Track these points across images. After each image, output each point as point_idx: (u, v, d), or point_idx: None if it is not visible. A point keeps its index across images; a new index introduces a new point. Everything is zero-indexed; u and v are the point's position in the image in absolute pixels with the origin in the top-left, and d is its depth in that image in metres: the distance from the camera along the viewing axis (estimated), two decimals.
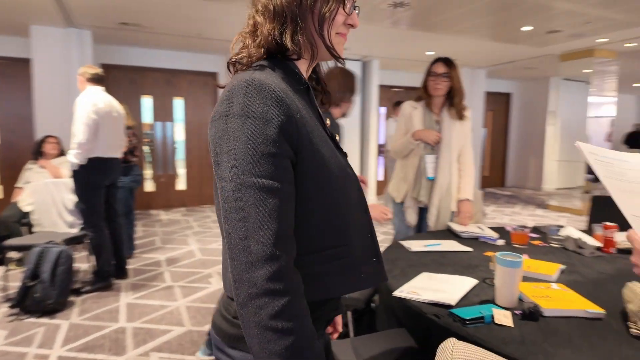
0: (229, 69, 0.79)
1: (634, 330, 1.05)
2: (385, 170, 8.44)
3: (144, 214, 5.97)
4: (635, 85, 9.86)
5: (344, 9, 0.74)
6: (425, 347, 1.19)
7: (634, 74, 8.36)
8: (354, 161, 7.24)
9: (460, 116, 2.33)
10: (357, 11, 0.76)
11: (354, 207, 0.75)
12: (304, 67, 0.78)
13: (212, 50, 6.31)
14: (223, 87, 0.82)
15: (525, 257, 1.60)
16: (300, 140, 0.68)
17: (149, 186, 6.45)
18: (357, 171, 7.28)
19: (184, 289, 3.10)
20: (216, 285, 3.20)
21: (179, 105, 6.53)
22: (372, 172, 7.27)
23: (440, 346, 0.77)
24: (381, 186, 8.27)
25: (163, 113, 6.43)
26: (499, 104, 9.33)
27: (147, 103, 6.32)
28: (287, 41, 0.72)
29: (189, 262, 3.77)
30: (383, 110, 8.06)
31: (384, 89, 7.93)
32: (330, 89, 1.98)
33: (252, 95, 0.66)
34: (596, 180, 7.41)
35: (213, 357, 2.20)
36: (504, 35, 5.47)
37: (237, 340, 0.73)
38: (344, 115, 2.23)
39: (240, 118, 0.65)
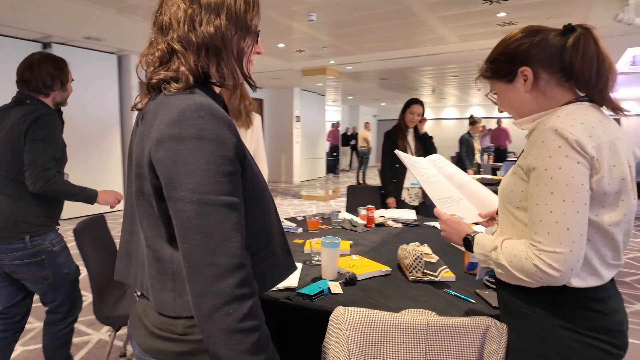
0: (149, 91, 0.76)
1: (411, 277, 1.55)
2: None
3: None
4: (349, 97, 12.77)
5: (256, 41, 0.84)
6: (285, 329, 1.39)
7: (348, 90, 10.86)
8: (115, 166, 6.52)
9: (243, 124, 2.55)
10: None
11: (274, 213, 0.87)
12: (217, 90, 0.84)
13: None
14: (140, 110, 0.78)
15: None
16: (244, 158, 0.75)
17: None
18: (119, 178, 6.58)
19: None
20: None
21: None
22: None
23: (331, 316, 0.98)
24: None
25: None
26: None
27: None
28: (213, 72, 0.78)
29: None
30: None
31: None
32: (39, 76, 1.77)
33: (205, 119, 0.69)
34: (329, 172, 9.18)
35: None
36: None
37: (189, 355, 0.74)
38: (58, 105, 1.93)
39: (196, 140, 0.68)
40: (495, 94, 1.02)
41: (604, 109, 0.91)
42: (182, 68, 0.75)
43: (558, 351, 0.84)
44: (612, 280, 0.89)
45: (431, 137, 3.35)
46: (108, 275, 2.04)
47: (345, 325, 0.94)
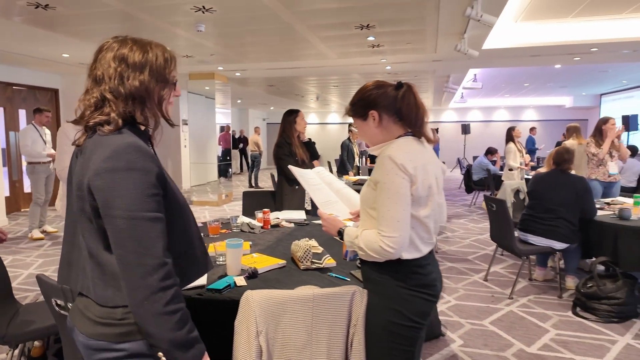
0: (86, 131, 0.95)
1: (302, 266, 1.90)
2: (11, 183, 7.06)
3: None
4: (237, 101, 12.84)
5: (174, 89, 1.08)
6: (198, 322, 1.61)
7: (237, 94, 10.98)
8: None
9: None
10: None
11: (192, 223, 1.11)
12: (143, 127, 1.05)
13: None
14: (79, 145, 0.97)
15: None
16: (165, 183, 0.98)
17: None
18: None
19: None
20: None
21: None
22: None
23: (241, 298, 1.26)
24: (10, 203, 6.87)
25: None
26: None
27: None
28: (138, 116, 1.00)
29: None
30: (0, 110, 6.68)
31: (1, 85, 6.58)
32: None
33: (132, 154, 0.91)
34: (222, 176, 9.21)
35: None
36: None
37: (126, 335, 0.94)
38: None
39: (126, 171, 0.89)
40: (356, 126, 1.41)
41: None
42: (113, 114, 0.96)
43: (398, 303, 1.26)
44: (430, 252, 1.34)
45: (314, 143, 3.77)
46: None
47: (253, 303, 1.24)
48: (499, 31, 5.27)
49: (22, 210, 7.07)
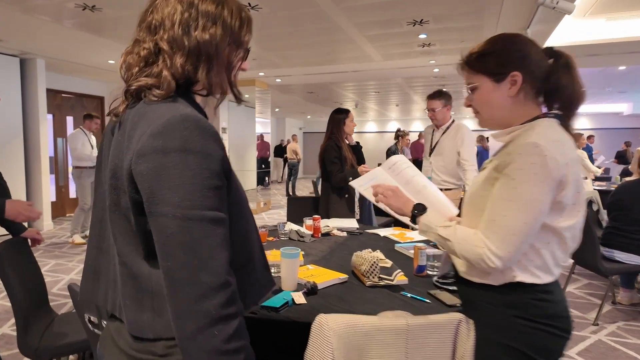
0: (126, 97, 0.72)
1: (368, 283, 1.61)
2: (57, 188, 7.21)
3: None
4: (276, 110, 12.82)
5: (245, 57, 0.84)
6: (251, 344, 1.36)
7: (275, 102, 10.92)
8: (19, 180, 5.79)
9: None
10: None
11: (253, 227, 0.84)
12: (199, 99, 0.81)
13: None
14: (116, 115, 0.74)
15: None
16: (229, 171, 0.73)
17: None
18: (23, 192, 5.86)
19: None
20: None
21: None
22: (45, 192, 6.05)
23: (313, 324, 0.99)
24: (56, 207, 7.00)
25: None
26: None
27: None
28: (203, 78, 0.75)
29: None
30: (50, 117, 6.85)
31: (51, 93, 6.76)
32: None
33: (191, 131, 0.66)
34: (259, 184, 9.06)
35: None
36: None
37: None
38: None
39: (181, 153, 0.65)
40: (471, 87, 1.02)
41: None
42: (165, 72, 0.72)
43: (514, 338, 0.94)
44: None
45: (361, 147, 3.48)
46: (34, 303, 1.83)
47: (329, 332, 0.96)
48: (561, 27, 4.83)
49: (67, 215, 7.19)
